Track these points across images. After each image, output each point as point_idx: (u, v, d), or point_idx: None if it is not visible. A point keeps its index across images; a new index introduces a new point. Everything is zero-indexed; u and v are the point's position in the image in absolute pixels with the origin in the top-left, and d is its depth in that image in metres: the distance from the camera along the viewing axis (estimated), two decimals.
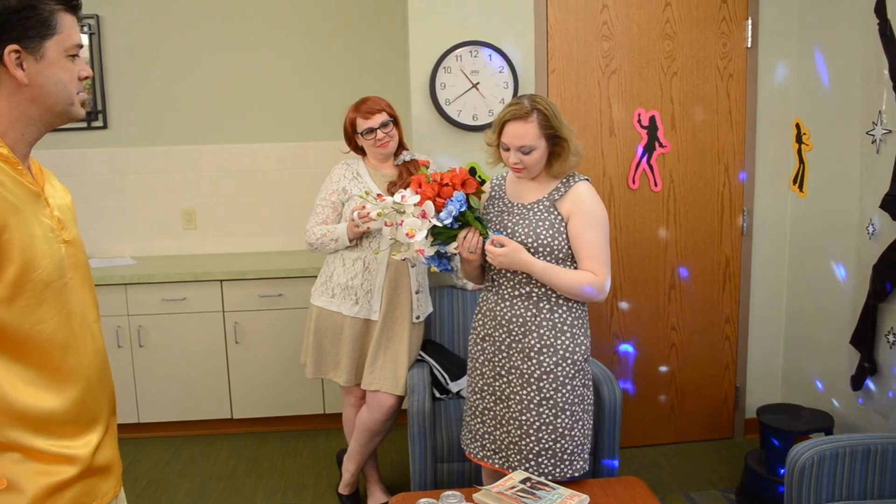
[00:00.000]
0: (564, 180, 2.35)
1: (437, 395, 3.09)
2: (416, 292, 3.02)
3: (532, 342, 2.31)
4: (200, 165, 4.30)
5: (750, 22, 3.49)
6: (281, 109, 4.28)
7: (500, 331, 2.35)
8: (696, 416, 3.78)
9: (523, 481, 2.20)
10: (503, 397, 2.37)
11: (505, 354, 2.35)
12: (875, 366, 2.96)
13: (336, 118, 3.14)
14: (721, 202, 3.63)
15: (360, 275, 2.98)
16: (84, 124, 4.16)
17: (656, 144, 3.53)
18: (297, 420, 4.03)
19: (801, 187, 3.53)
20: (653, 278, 3.64)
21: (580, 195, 2.32)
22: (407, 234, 2.23)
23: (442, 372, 3.11)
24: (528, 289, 2.32)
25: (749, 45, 3.51)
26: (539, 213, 2.32)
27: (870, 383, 3.01)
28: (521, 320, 2.32)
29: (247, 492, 3.40)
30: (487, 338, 2.40)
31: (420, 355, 3.12)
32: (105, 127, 4.21)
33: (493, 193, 2.45)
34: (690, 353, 3.72)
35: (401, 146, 3.07)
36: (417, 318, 3.04)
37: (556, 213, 2.31)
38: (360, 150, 3.08)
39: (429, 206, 2.24)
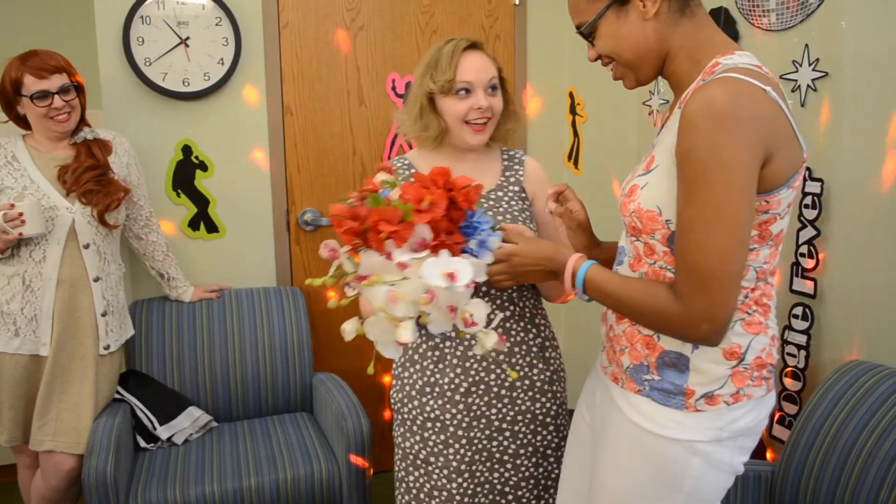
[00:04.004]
0: (508, 154, 1.82)
1: (143, 443, 2.39)
2: (104, 314, 2.28)
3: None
4: None
5: None
6: None
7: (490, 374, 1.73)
8: None
9: None
10: (501, 457, 1.73)
11: (500, 398, 1.74)
12: None
13: None
14: None
15: (18, 296, 2.20)
16: None
17: None
18: None
19: (576, 164, 3.16)
20: None
21: (541, 172, 1.84)
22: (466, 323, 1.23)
23: (147, 413, 2.40)
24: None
25: (517, 2, 3.06)
26: (516, 204, 1.75)
27: None
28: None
29: None
30: (471, 391, 1.71)
31: (119, 394, 2.40)
32: None
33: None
34: None
35: (82, 121, 2.32)
36: (107, 348, 2.30)
37: (526, 197, 1.78)
38: (23, 122, 2.28)
39: (463, 267, 1.21)
